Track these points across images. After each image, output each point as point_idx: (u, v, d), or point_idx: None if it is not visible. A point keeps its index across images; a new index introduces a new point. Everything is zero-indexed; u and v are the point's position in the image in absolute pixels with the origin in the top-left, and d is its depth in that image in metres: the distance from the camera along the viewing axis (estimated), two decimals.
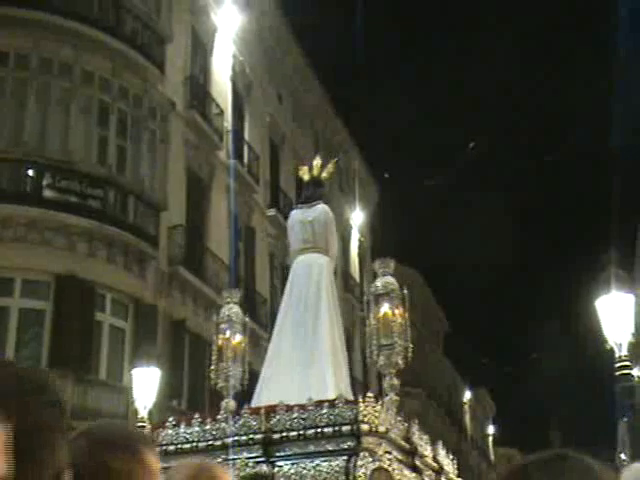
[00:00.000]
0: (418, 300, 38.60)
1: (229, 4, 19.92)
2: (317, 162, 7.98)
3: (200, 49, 19.05)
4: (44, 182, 13.30)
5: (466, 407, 44.95)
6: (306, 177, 7.94)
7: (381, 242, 30.27)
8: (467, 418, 44.80)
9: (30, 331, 12.84)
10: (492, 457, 49.54)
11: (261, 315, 18.81)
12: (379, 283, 6.82)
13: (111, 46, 14.97)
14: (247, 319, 7.51)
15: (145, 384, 11.07)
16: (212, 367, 7.24)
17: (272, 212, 21.32)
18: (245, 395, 7.14)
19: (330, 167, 8.04)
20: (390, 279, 6.81)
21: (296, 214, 7.79)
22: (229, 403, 6.88)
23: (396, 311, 6.69)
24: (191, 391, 15.81)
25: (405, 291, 6.84)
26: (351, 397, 6.16)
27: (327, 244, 7.62)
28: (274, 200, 21.80)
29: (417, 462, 6.21)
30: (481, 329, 58.76)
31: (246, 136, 20.96)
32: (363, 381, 25.12)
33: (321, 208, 7.66)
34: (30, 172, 13.33)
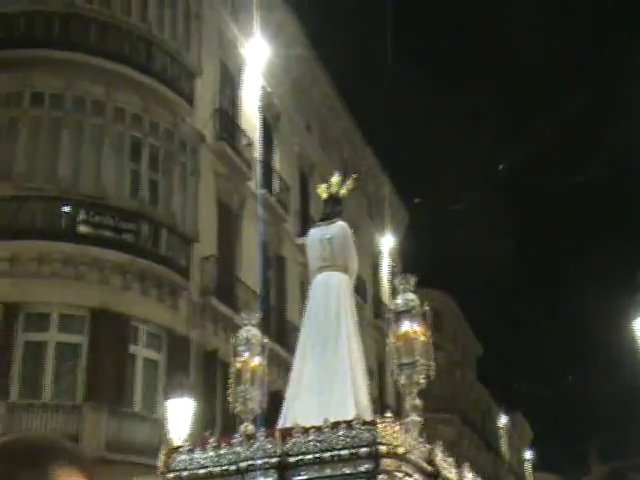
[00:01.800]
0: (450, 324, 38.34)
1: (257, 36, 20.26)
2: (336, 179, 7.86)
3: (229, 81, 19.38)
4: (79, 218, 13.60)
5: (502, 432, 44.27)
6: (324, 195, 7.80)
7: (412, 267, 30.19)
8: (503, 443, 44.10)
9: (66, 364, 13.07)
10: None
11: (293, 343, 18.82)
12: (400, 300, 6.62)
13: (142, 82, 15.32)
14: (273, 345, 7.63)
15: (179, 415, 11.16)
16: (230, 390, 7.04)
17: (302, 240, 21.41)
18: (269, 419, 7.03)
19: (349, 184, 7.89)
20: (411, 296, 6.61)
21: (314, 232, 7.63)
22: (248, 427, 6.69)
23: (417, 329, 6.50)
24: (224, 421, 15.86)
25: (426, 308, 6.64)
26: (370, 417, 5.95)
27: (346, 261, 7.48)
28: (304, 228, 21.91)
29: None
30: (515, 352, 58.00)
31: (275, 166, 21.19)
32: (396, 407, 24.92)
33: (339, 225, 7.52)
34: (65, 208, 13.64)
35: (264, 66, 20.66)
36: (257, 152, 19.66)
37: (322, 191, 7.81)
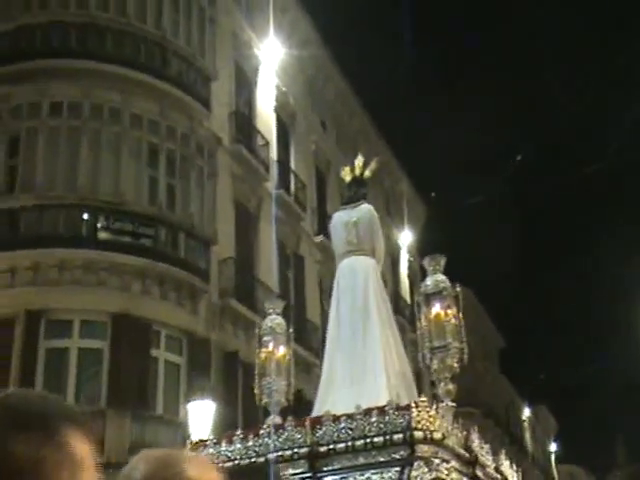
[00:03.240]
0: (471, 317, 38.24)
1: (271, 37, 20.34)
2: (359, 161, 7.59)
3: (244, 83, 19.49)
4: (98, 224, 13.81)
5: (526, 425, 44.12)
6: (348, 178, 7.57)
7: None
8: (527, 436, 43.96)
9: (89, 370, 13.29)
10: (555, 475, 48.41)
11: (312, 342, 18.97)
12: (429, 282, 6.38)
13: (158, 88, 15.47)
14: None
15: (201, 417, 11.30)
16: (255, 382, 6.86)
17: (320, 238, 21.52)
18: (297, 413, 6.70)
19: (373, 165, 7.62)
20: (441, 277, 6.37)
21: (339, 216, 7.39)
22: (274, 420, 6.49)
23: (449, 311, 6.25)
24: (246, 422, 16.02)
25: (458, 288, 6.40)
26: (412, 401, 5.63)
27: (372, 245, 7.19)
28: (322, 227, 22.01)
29: (479, 472, 5.72)
30: (538, 344, 57.72)
31: (292, 165, 21.28)
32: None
33: (365, 208, 7.26)
34: (85, 216, 13.85)
35: (278, 66, 20.75)
36: (273, 152, 19.77)
37: (346, 174, 7.56)
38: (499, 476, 6.23)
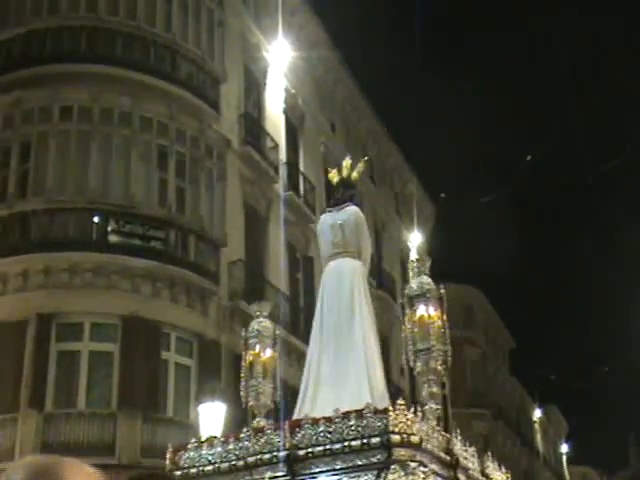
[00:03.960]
0: (481, 319, 38.16)
1: (280, 40, 20.38)
2: (346, 162, 7.55)
3: (253, 85, 19.53)
4: (109, 228, 13.88)
5: (536, 426, 43.96)
6: (335, 179, 7.51)
7: (441, 262, 30.10)
8: (538, 437, 43.79)
9: (100, 373, 13.36)
10: (567, 477, 48.20)
11: None
12: (414, 283, 6.31)
13: (167, 91, 15.53)
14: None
15: (211, 419, 11.33)
16: (242, 384, 6.87)
17: None
18: (284, 413, 6.77)
19: (360, 166, 7.60)
20: (425, 279, 6.29)
21: (326, 218, 7.33)
22: (260, 422, 6.51)
23: (433, 313, 6.20)
24: None
25: (442, 291, 6.30)
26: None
27: (358, 247, 7.13)
28: None
29: (460, 476, 5.66)
30: (548, 345, 57.48)
31: (301, 167, 21.29)
32: (410, 391, 24.81)
33: (352, 210, 7.19)
34: (95, 219, 13.93)
35: (287, 68, 20.78)
36: (282, 154, 19.80)
37: (333, 176, 7.53)
38: (484, 479, 6.18)
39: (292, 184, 19.87)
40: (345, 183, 7.42)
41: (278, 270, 18.06)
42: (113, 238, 13.90)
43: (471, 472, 5.87)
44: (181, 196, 15.47)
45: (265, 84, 19.97)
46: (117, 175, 14.50)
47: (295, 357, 15.65)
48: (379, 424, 5.09)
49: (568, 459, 48.67)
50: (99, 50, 14.83)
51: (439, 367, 6.02)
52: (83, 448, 12.05)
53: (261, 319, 7.17)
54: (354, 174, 7.47)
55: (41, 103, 14.37)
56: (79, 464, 1.45)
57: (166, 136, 15.33)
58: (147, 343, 13.55)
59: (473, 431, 30.16)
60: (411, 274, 6.51)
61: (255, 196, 18.25)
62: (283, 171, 19.47)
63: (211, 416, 11.53)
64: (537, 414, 43.77)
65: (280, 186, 19.25)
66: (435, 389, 5.98)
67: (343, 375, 6.45)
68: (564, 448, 48.52)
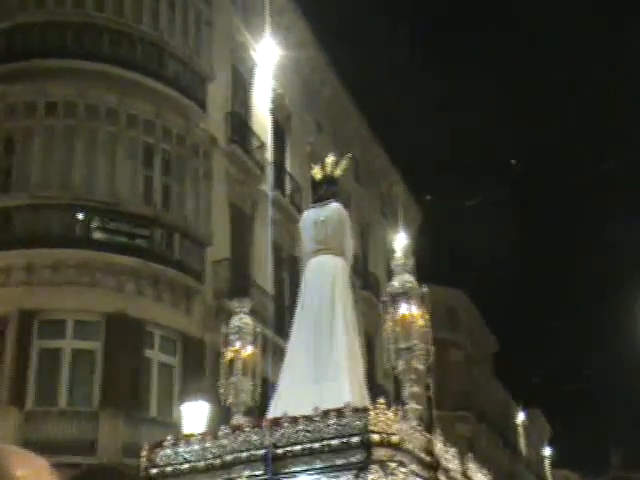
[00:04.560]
0: (465, 321, 38.27)
1: (267, 39, 20.36)
2: (330, 159, 7.54)
3: (240, 85, 19.48)
4: (93, 224, 13.78)
5: (520, 429, 44.14)
6: (319, 176, 7.49)
7: (426, 264, 30.17)
8: (521, 440, 43.97)
9: (82, 371, 13.26)
10: None
11: None
12: (396, 282, 6.23)
13: (154, 89, 15.46)
14: (258, 328, 7.11)
15: (194, 418, 11.24)
16: (221, 382, 6.76)
17: None
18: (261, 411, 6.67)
19: (344, 163, 7.56)
20: (408, 277, 6.23)
21: (309, 214, 7.30)
22: (239, 420, 6.42)
23: (416, 311, 6.12)
24: None
25: (425, 289, 6.25)
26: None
27: (341, 244, 7.10)
28: None
29: (441, 477, 5.59)
30: (532, 348, 57.78)
31: (287, 167, 21.27)
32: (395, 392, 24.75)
33: (334, 206, 7.16)
34: (80, 216, 13.83)
35: (274, 68, 20.76)
36: (269, 153, 19.77)
37: (316, 173, 7.49)
38: None
39: (278, 184, 19.85)
40: (328, 180, 7.38)
41: (263, 269, 18.02)
42: (97, 235, 13.80)
43: (452, 473, 5.81)
44: (167, 194, 15.39)
45: (252, 83, 19.94)
46: (102, 172, 14.40)
47: (279, 356, 15.54)
48: (358, 423, 5.03)
49: (551, 462, 48.91)
50: (85, 46, 14.73)
51: (421, 367, 5.96)
52: (64, 447, 11.91)
53: (242, 315, 7.08)
54: (337, 171, 7.45)
55: (26, 98, 14.25)
56: (27, 454, 1.44)
57: (152, 134, 15.25)
58: (130, 341, 13.46)
59: (457, 433, 30.23)
60: (394, 272, 6.43)
61: (241, 195, 18.21)
62: (269, 171, 19.45)
63: (194, 415, 11.44)
64: (521, 417, 43.96)
65: (267, 186, 19.21)
66: (416, 389, 5.91)
67: (323, 374, 6.36)
68: (547, 451, 48.74)
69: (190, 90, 16.42)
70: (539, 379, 39.11)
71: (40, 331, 13.26)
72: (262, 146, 19.42)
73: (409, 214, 30.72)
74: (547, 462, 48.65)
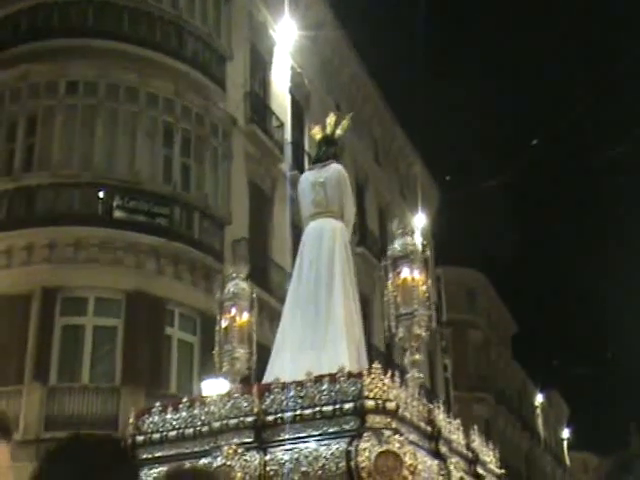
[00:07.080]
0: (484, 302, 38.19)
1: (286, 18, 20.26)
2: (331, 119, 7.13)
3: (259, 64, 19.44)
4: (114, 203, 13.89)
5: (538, 411, 44.11)
6: (319, 136, 7.08)
7: (445, 245, 30.12)
8: (539, 422, 43.96)
9: (104, 348, 13.43)
10: (568, 462, 48.45)
11: None
12: (397, 245, 5.96)
13: (174, 68, 15.48)
14: (254, 294, 6.71)
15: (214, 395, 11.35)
16: (215, 350, 6.49)
17: None
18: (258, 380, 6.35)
19: (344, 123, 7.13)
20: (409, 239, 5.98)
21: (307, 176, 6.93)
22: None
23: (417, 276, 5.82)
24: None
25: (428, 252, 6.04)
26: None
27: (341, 207, 6.74)
28: None
29: (442, 447, 5.36)
30: (551, 329, 57.54)
31: (306, 147, 21.24)
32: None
33: (334, 167, 6.79)
34: (101, 194, 13.94)
35: (294, 47, 20.68)
36: (288, 133, 19.75)
37: (316, 132, 7.13)
38: (470, 453, 5.85)
39: (297, 163, 19.84)
40: (328, 140, 6.98)
41: (282, 249, 18.08)
42: (118, 214, 13.91)
43: (455, 445, 5.58)
44: (186, 173, 15.45)
45: (271, 63, 19.89)
46: (123, 151, 14.49)
47: None
48: (353, 389, 4.77)
49: (569, 445, 48.86)
50: (106, 25, 14.77)
51: (422, 333, 5.70)
52: (86, 422, 12.14)
53: (237, 281, 6.68)
54: (338, 131, 7.07)
55: (48, 77, 14.33)
56: None
57: (172, 113, 15.29)
58: (151, 319, 13.60)
59: (474, 415, 30.29)
60: (396, 234, 6.15)
61: (260, 175, 18.23)
62: (288, 150, 19.44)
63: (214, 393, 11.54)
64: (539, 399, 43.92)
65: (286, 165, 19.22)
66: (417, 356, 5.67)
67: (321, 340, 6.10)
68: (565, 433, 48.71)
69: (209, 69, 16.43)
70: (557, 361, 38.98)
71: (62, 308, 13.44)
72: (281, 126, 19.41)
73: (428, 195, 30.59)
74: (565, 444, 48.62)
